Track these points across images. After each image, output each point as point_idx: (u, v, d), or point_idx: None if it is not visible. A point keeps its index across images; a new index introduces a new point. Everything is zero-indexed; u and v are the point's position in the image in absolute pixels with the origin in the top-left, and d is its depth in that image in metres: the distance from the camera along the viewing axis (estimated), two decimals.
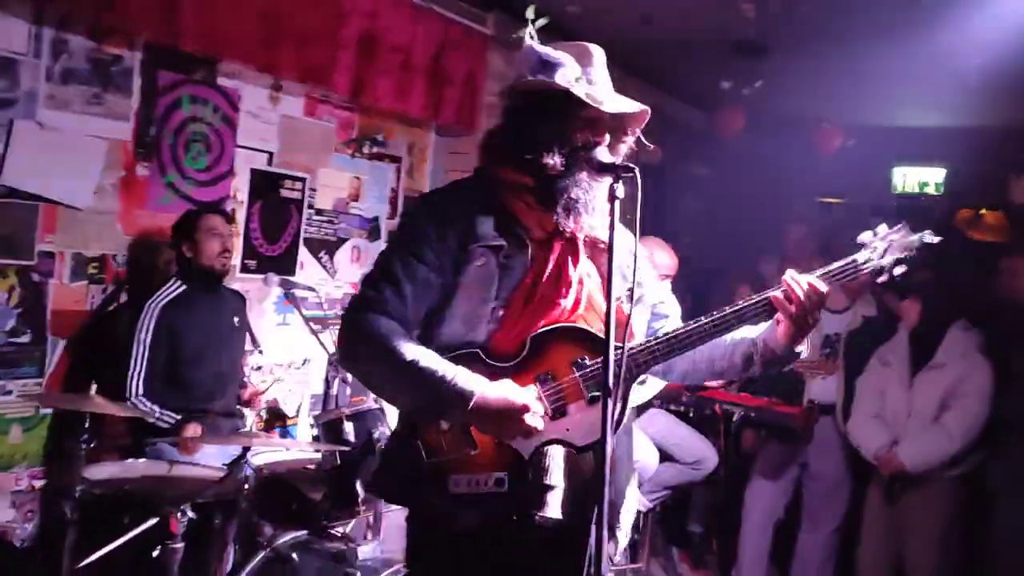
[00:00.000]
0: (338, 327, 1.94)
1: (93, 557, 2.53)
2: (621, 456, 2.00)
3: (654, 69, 5.56)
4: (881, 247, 2.03)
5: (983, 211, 7.92)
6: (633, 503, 2.10)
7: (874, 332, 4.34)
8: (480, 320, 1.89)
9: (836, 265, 2.01)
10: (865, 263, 2.01)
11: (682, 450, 4.29)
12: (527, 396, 1.80)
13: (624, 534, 2.06)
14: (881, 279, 2.04)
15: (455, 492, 1.84)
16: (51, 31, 3.40)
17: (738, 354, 2.03)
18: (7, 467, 3.47)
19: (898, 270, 2.03)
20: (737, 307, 1.94)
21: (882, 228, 2.04)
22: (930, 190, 7.71)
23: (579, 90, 1.88)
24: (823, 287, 1.93)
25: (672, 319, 2.15)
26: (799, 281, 1.93)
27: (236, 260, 4.19)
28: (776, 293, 1.93)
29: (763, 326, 2.02)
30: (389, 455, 2.00)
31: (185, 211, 3.78)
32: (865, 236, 2.05)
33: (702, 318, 1.93)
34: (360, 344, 1.88)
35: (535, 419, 1.79)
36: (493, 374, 1.83)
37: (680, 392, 4.43)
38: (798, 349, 2.00)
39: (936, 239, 2.06)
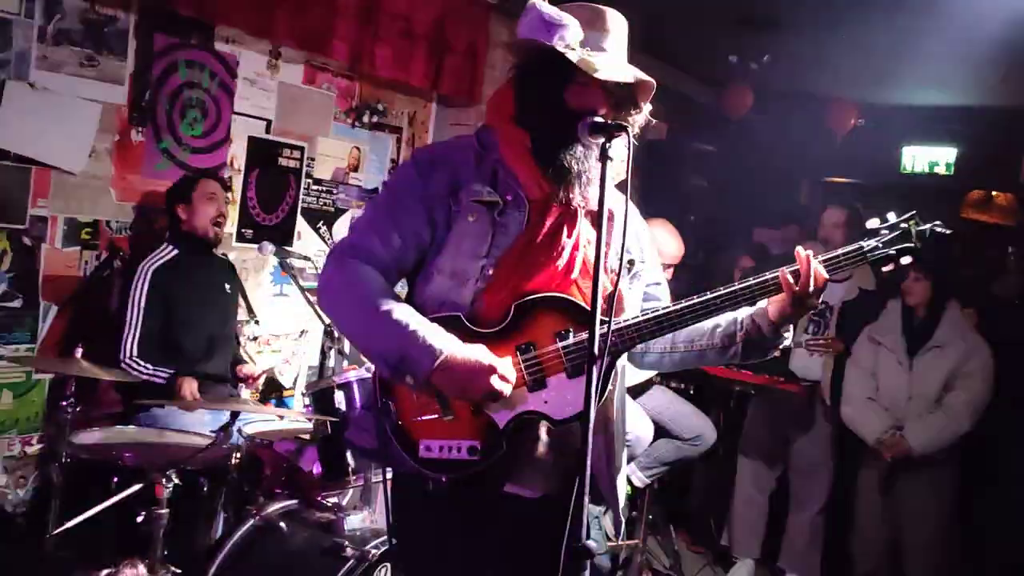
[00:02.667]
0: (322, 266, 1.91)
1: (75, 521, 2.51)
2: (615, 431, 1.96)
3: (661, 43, 5.48)
4: (889, 235, 1.94)
5: (993, 192, 7.84)
6: (624, 478, 2.06)
7: (869, 306, 4.26)
8: (468, 277, 1.84)
9: (842, 251, 1.92)
10: (872, 251, 1.93)
11: (680, 426, 4.25)
12: (496, 360, 1.75)
13: (622, 508, 2.03)
14: (887, 268, 1.95)
15: (426, 456, 1.80)
16: None
17: (719, 334, 1.96)
18: None
19: (905, 260, 1.94)
20: (734, 288, 1.86)
21: (891, 215, 1.96)
22: (940, 170, 7.60)
23: (573, 55, 1.80)
24: (825, 274, 1.86)
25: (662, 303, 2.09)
26: (810, 263, 1.85)
27: (232, 229, 4.15)
28: (786, 272, 1.85)
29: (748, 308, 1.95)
30: (365, 415, 1.95)
31: (183, 175, 3.75)
32: (873, 223, 1.96)
33: (694, 297, 1.87)
34: (337, 289, 1.85)
35: (501, 383, 1.73)
36: (474, 340, 1.78)
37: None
38: (784, 333, 1.94)
39: (947, 231, 1.98)
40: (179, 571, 2.61)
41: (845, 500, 4.29)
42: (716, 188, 7.20)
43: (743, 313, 1.95)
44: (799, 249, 1.88)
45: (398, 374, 1.75)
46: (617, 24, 1.91)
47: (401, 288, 1.95)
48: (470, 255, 1.84)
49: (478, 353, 1.74)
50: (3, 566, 2.81)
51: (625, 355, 1.98)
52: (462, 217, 1.85)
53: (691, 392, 4.56)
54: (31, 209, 3.44)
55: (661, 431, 4.24)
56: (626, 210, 1.68)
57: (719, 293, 1.86)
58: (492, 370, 1.72)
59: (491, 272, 1.84)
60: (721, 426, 4.47)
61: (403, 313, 1.76)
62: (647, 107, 1.93)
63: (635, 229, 2.02)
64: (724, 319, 1.96)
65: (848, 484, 4.27)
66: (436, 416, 1.81)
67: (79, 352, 2.80)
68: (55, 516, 2.64)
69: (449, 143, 2.03)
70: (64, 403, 2.67)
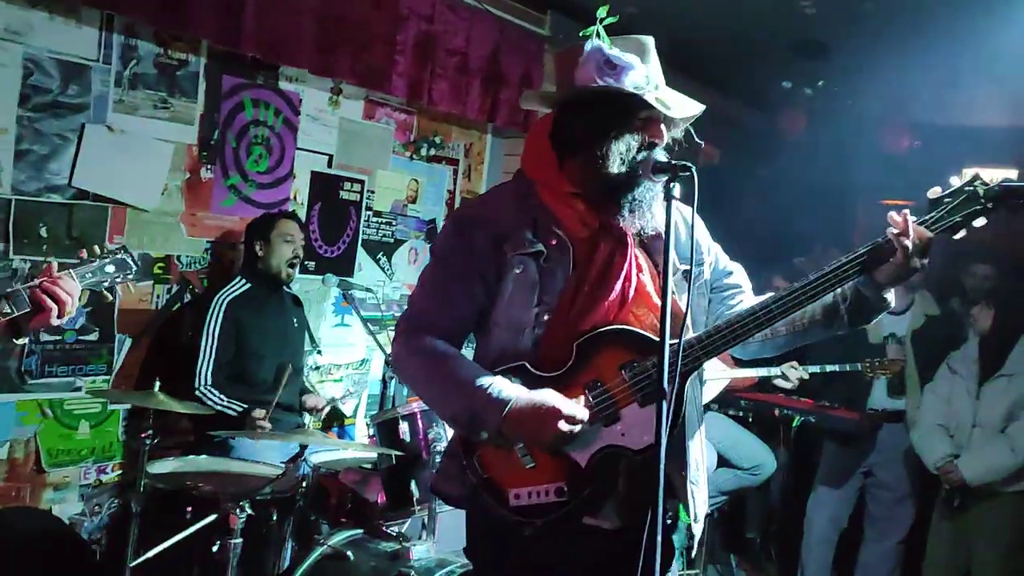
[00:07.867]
0: (391, 343, 1.99)
1: (152, 552, 2.59)
2: (694, 453, 1.96)
3: (713, 69, 5.51)
4: (954, 202, 1.88)
5: None
6: (705, 496, 2.04)
7: (942, 332, 4.21)
8: (526, 326, 1.88)
9: (926, 217, 1.88)
10: (936, 222, 1.88)
11: (739, 455, 4.23)
12: (562, 402, 1.78)
13: (700, 527, 2.03)
14: (958, 236, 1.89)
15: (516, 504, 1.84)
16: (120, 37, 3.50)
17: (820, 310, 1.93)
18: (76, 462, 3.58)
19: (978, 222, 1.88)
20: (832, 267, 1.85)
21: (954, 180, 1.90)
22: None
23: (650, 97, 1.86)
24: (927, 232, 1.85)
25: (745, 291, 2.07)
26: (907, 220, 1.85)
27: None
28: (889, 232, 1.84)
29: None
30: (449, 464, 1.98)
31: (264, 212, 3.89)
32: (934, 192, 1.91)
33: (781, 292, 1.86)
34: (408, 364, 1.95)
35: (568, 425, 1.76)
36: (542, 385, 1.82)
37: (737, 396, 4.38)
38: (887, 295, 1.90)
39: (1019, 183, 1.89)
40: None
41: (923, 530, 4.22)
42: (770, 213, 7.15)
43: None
44: (892, 213, 1.87)
45: (472, 431, 1.83)
46: (654, 50, 1.95)
47: (467, 347, 2.01)
48: (523, 305, 1.88)
49: (544, 397, 1.78)
50: None
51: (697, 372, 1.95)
52: (510, 270, 1.89)
53: (750, 420, 4.53)
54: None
55: (720, 459, 4.22)
56: (667, 236, 1.69)
57: (814, 277, 1.84)
58: (556, 412, 1.75)
59: (547, 318, 1.88)
60: (781, 455, 4.42)
61: (467, 372, 1.83)
62: (684, 126, 1.97)
63: (699, 233, 2.03)
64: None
65: (925, 512, 4.20)
66: (519, 465, 1.84)
67: (157, 385, 2.90)
68: (133, 544, 2.72)
69: (485, 199, 2.10)
70: (143, 434, 2.76)
